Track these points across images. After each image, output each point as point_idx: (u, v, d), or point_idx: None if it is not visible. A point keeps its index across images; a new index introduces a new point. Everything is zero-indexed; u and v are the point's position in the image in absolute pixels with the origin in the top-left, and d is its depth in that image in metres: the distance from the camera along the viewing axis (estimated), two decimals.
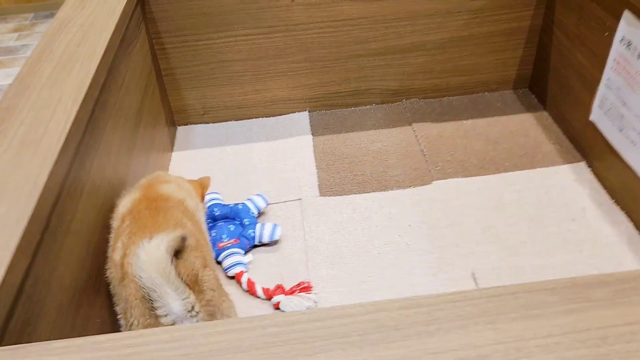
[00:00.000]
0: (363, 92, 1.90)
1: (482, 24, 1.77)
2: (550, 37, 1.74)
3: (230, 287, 1.34)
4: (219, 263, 1.38)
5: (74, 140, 0.99)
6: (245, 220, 1.46)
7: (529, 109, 1.85)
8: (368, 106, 1.94)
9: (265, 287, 1.30)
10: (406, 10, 1.72)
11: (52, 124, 0.98)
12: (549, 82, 1.78)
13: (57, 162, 0.90)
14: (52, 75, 1.12)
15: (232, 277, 1.35)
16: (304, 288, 1.30)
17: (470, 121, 1.81)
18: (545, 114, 1.82)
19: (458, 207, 1.50)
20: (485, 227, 1.44)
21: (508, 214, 1.47)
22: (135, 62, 1.50)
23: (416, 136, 1.77)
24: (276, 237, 1.41)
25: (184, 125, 1.92)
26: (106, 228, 1.11)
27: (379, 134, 1.80)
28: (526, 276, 1.30)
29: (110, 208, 1.16)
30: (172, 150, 1.81)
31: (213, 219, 1.49)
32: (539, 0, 1.73)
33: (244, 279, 1.32)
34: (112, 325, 1.06)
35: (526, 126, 1.77)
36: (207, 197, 1.54)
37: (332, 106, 1.92)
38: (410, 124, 1.82)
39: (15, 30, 3.99)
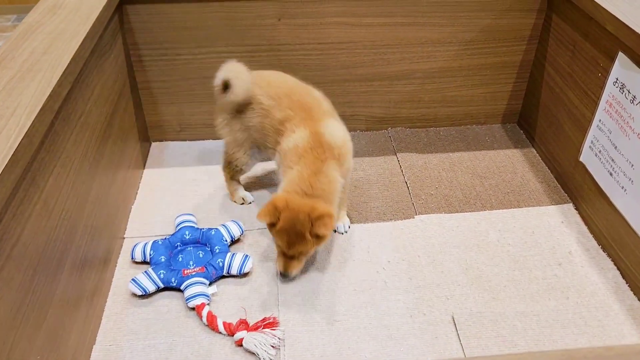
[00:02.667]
0: (348, 117, 1.83)
1: (473, 56, 1.73)
2: (541, 73, 1.70)
3: (190, 320, 1.24)
4: (182, 291, 1.29)
5: (25, 156, 0.90)
6: (216, 247, 1.37)
7: (517, 144, 1.80)
8: (352, 132, 1.85)
9: (228, 321, 1.21)
10: (396, 37, 1.67)
11: (0, 137, 0.89)
12: (539, 119, 1.74)
13: (0, 179, 0.81)
14: (10, 84, 1.04)
15: (193, 308, 1.26)
16: (269, 324, 1.21)
17: (457, 154, 1.75)
18: (533, 150, 1.77)
19: (440, 244, 1.43)
20: (466, 267, 1.37)
21: (491, 253, 1.40)
22: (109, 73, 1.41)
23: (400, 166, 1.70)
24: (246, 270, 1.33)
25: (159, 141, 1.83)
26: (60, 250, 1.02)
27: (362, 162, 1.73)
28: (508, 323, 1.22)
29: (67, 230, 1.06)
30: (143, 167, 1.72)
31: (183, 243, 1.39)
32: (532, 35, 1.69)
33: (204, 312, 1.23)
34: None
35: (514, 162, 1.71)
36: (179, 219, 1.45)
37: None
38: (394, 153, 1.76)
39: None
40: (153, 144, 1.83)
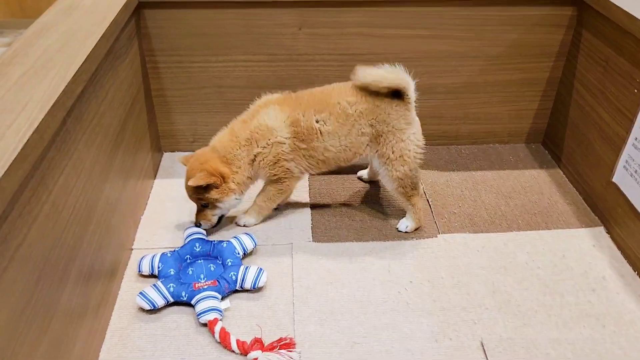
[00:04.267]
0: None
1: (499, 72, 1.67)
2: (569, 91, 1.64)
3: (200, 337, 1.16)
4: (193, 306, 1.21)
5: (34, 152, 0.84)
6: (228, 260, 1.30)
7: (543, 164, 1.73)
8: None
9: (242, 339, 1.13)
10: (419, 50, 1.62)
11: (10, 131, 0.83)
12: (566, 138, 1.67)
13: (8, 174, 0.75)
14: (22, 80, 0.98)
15: (204, 324, 1.18)
16: (286, 345, 1.13)
17: (480, 172, 1.69)
18: (559, 171, 1.70)
19: (465, 265, 1.35)
20: (494, 290, 1.29)
21: (519, 276, 1.32)
22: (123, 77, 1.36)
23: (422, 183, 1.63)
24: (260, 284, 1.25)
25: (171, 151, 1.77)
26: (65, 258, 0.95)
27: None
28: (541, 351, 1.14)
29: (74, 236, 1.00)
30: (154, 177, 1.66)
31: (192, 255, 1.32)
32: (560, 51, 1.64)
33: (217, 328, 1.15)
34: None
35: (540, 183, 1.64)
36: (188, 231, 1.38)
37: None
38: None
39: (9, 44, 3.88)
40: (165, 154, 1.77)
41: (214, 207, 1.36)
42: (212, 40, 1.57)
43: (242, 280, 1.25)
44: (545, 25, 1.59)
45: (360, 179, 1.66)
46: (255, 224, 1.48)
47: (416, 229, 1.44)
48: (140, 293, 1.20)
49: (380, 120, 1.32)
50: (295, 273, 1.32)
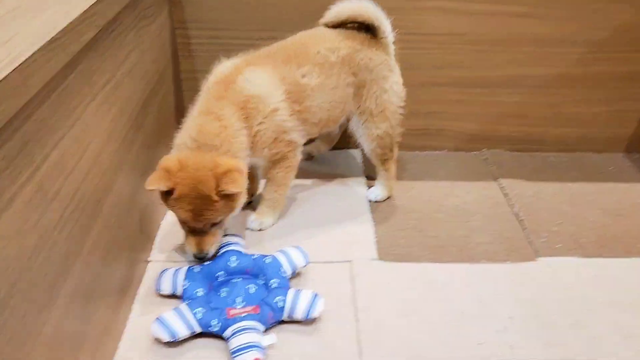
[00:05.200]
0: (433, 133, 1.48)
1: (600, 62, 1.37)
2: None
3: None
4: (226, 340, 0.91)
5: (11, 101, 0.55)
6: (272, 281, 1.00)
7: None
8: (437, 152, 1.51)
9: None
10: (506, 32, 1.33)
11: None
12: None
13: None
14: (12, 13, 0.71)
15: None
16: None
17: (576, 184, 1.37)
18: None
19: (581, 298, 1.04)
20: (627, 334, 0.96)
21: None
22: (147, 45, 1.09)
23: (505, 195, 1.32)
24: (315, 314, 0.94)
25: None
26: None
27: (454, 187, 1.36)
28: None
29: (69, 236, 0.71)
30: None
31: (227, 272, 1.02)
32: None
33: None
34: None
35: None
36: (222, 240, 1.09)
37: None
38: (494, 179, 1.39)
39: None
40: None
41: (223, 221, 1.05)
42: (257, 13, 1.31)
43: (292, 309, 0.94)
44: None
45: (309, 155, 1.44)
46: (273, 224, 1.20)
47: (387, 199, 1.30)
48: (158, 319, 0.90)
49: (362, 67, 1.18)
50: (359, 301, 1.01)
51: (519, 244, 1.17)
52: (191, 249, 1.03)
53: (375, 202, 1.29)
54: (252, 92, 1.05)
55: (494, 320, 0.98)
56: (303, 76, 1.11)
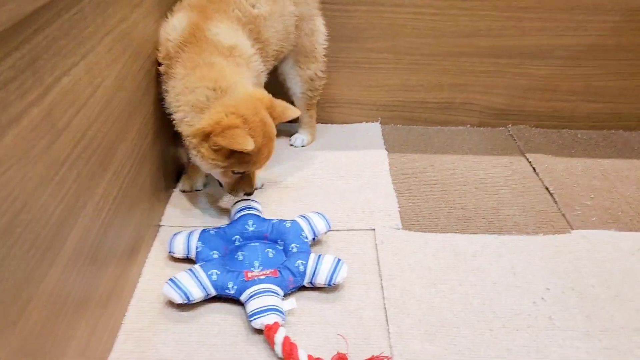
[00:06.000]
0: (458, 106, 1.41)
1: (637, 32, 1.30)
2: None
3: (254, 348, 0.79)
4: (242, 304, 0.85)
5: (21, 5, 0.49)
6: (292, 245, 0.93)
7: None
8: (460, 127, 1.44)
9: (315, 356, 0.76)
10: None
11: None
12: None
13: None
14: None
15: (259, 331, 0.81)
16: None
17: (608, 160, 1.30)
18: None
19: (620, 271, 0.97)
20: None
21: None
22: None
23: (534, 169, 1.26)
24: (338, 280, 0.88)
25: None
26: None
27: (480, 160, 1.29)
28: None
29: (75, 184, 0.64)
30: None
31: (243, 237, 0.96)
32: None
33: (278, 337, 0.77)
34: None
35: None
36: (237, 205, 1.02)
37: (413, 120, 1.43)
38: (522, 154, 1.32)
39: None
40: None
41: None
42: None
43: (314, 274, 0.88)
44: None
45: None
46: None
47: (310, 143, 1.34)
48: (170, 280, 0.84)
49: None
50: (384, 269, 0.95)
51: (551, 216, 1.10)
52: (248, 188, 1.00)
53: (302, 146, 1.33)
54: (230, 42, 1.00)
55: (529, 292, 0.92)
56: (253, 6, 1.07)
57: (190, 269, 0.86)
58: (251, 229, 0.97)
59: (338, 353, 0.76)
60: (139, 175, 0.90)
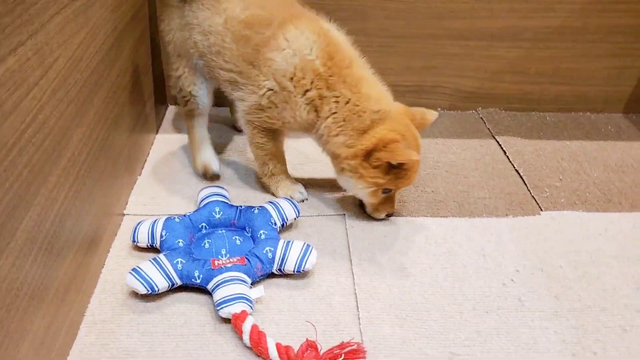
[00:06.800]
0: (428, 89, 1.40)
1: (604, 14, 1.31)
2: None
3: (221, 338, 0.77)
4: (210, 293, 0.82)
5: None
6: (261, 232, 0.91)
7: None
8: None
9: (284, 344, 0.74)
10: None
11: None
12: None
13: None
14: None
15: (227, 320, 0.79)
16: (352, 352, 0.74)
17: (576, 142, 1.31)
18: None
19: (588, 252, 0.98)
20: (638, 284, 0.91)
21: None
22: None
23: (504, 151, 1.26)
24: (307, 266, 0.86)
25: (178, 105, 1.39)
26: None
27: (450, 143, 1.29)
28: None
29: (27, 169, 0.61)
30: (156, 131, 1.27)
31: (210, 224, 0.94)
32: None
33: (246, 326, 0.76)
34: None
35: None
36: (204, 192, 1.00)
37: None
38: (492, 137, 1.32)
39: None
40: (171, 107, 1.38)
41: None
42: None
43: (282, 260, 0.86)
44: None
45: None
46: None
47: None
48: (134, 270, 0.81)
49: None
50: (354, 254, 0.94)
51: (521, 198, 1.11)
52: (390, 208, 1.00)
53: None
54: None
55: (499, 274, 0.92)
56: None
57: (154, 258, 0.83)
58: (218, 216, 0.94)
59: (307, 340, 0.74)
60: (98, 162, 0.86)
